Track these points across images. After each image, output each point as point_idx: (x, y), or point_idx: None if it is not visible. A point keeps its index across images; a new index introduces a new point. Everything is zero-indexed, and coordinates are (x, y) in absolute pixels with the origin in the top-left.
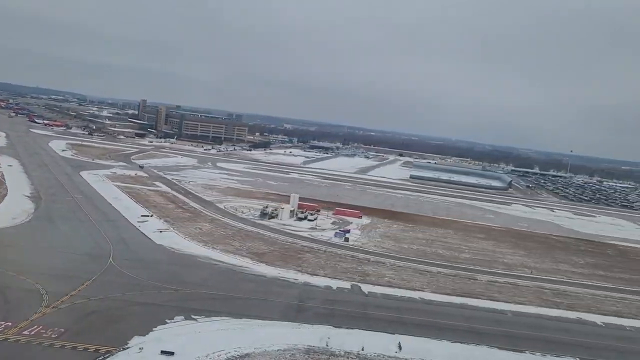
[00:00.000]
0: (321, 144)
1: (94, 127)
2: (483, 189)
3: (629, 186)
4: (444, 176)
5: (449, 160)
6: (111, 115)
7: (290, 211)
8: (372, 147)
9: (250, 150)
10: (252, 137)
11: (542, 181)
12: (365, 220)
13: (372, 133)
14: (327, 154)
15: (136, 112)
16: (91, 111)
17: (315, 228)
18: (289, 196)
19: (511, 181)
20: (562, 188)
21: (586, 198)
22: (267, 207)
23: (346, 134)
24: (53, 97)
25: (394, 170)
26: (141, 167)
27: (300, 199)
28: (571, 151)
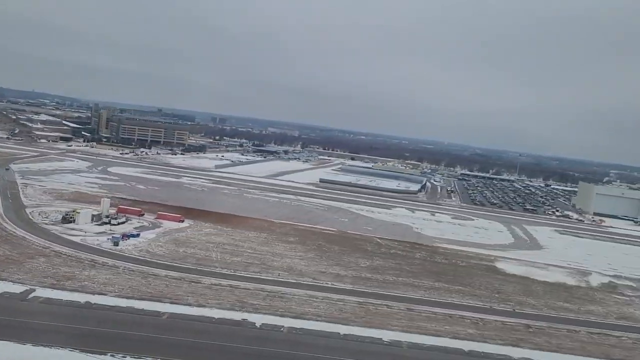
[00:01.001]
0: (270, 148)
1: (17, 131)
2: (390, 193)
3: (573, 189)
4: (365, 180)
5: (389, 163)
6: (44, 119)
7: (95, 215)
8: (331, 150)
9: (176, 154)
10: (195, 141)
11: (477, 184)
12: (186, 224)
13: (362, 137)
14: (263, 157)
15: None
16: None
17: (105, 232)
18: (142, 200)
19: (424, 185)
20: (487, 192)
21: (495, 202)
22: (73, 211)
23: (329, 138)
24: (31, 101)
25: (318, 174)
26: (7, 170)
27: (140, 202)
28: (520, 155)
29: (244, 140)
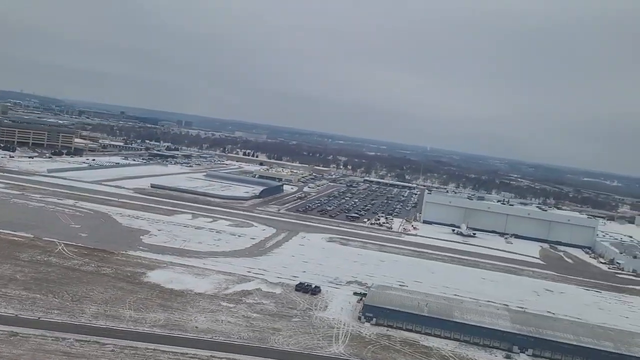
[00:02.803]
0: (180, 152)
1: None
2: (217, 199)
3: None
4: (217, 185)
5: (274, 168)
6: None
7: None
8: (252, 156)
9: (32, 157)
10: (84, 144)
11: (359, 191)
12: None
13: (340, 141)
14: (144, 162)
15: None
16: None
17: None
18: None
19: (263, 190)
20: (348, 198)
21: (330, 209)
22: None
23: (282, 143)
24: None
25: (171, 179)
26: None
27: None
28: (499, 161)
29: (168, 143)
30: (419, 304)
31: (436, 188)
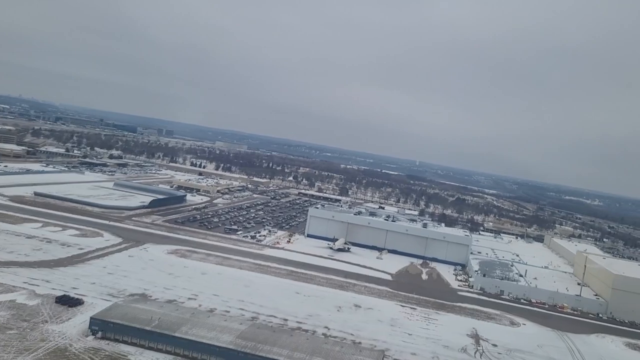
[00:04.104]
0: (108, 160)
1: None
2: (100, 208)
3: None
4: (118, 194)
5: (197, 178)
6: None
7: None
8: (199, 167)
9: None
10: (11, 151)
11: (276, 204)
12: None
13: (328, 153)
14: (65, 169)
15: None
16: None
17: None
18: None
19: (153, 200)
20: (256, 210)
21: (215, 220)
22: None
23: (252, 154)
24: None
25: (62, 189)
26: None
27: None
28: (484, 177)
29: (118, 152)
30: (152, 317)
31: (379, 203)
